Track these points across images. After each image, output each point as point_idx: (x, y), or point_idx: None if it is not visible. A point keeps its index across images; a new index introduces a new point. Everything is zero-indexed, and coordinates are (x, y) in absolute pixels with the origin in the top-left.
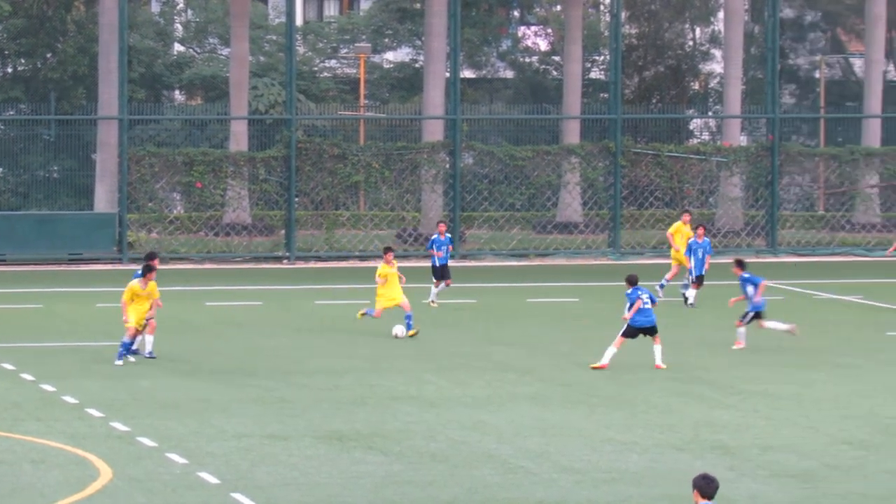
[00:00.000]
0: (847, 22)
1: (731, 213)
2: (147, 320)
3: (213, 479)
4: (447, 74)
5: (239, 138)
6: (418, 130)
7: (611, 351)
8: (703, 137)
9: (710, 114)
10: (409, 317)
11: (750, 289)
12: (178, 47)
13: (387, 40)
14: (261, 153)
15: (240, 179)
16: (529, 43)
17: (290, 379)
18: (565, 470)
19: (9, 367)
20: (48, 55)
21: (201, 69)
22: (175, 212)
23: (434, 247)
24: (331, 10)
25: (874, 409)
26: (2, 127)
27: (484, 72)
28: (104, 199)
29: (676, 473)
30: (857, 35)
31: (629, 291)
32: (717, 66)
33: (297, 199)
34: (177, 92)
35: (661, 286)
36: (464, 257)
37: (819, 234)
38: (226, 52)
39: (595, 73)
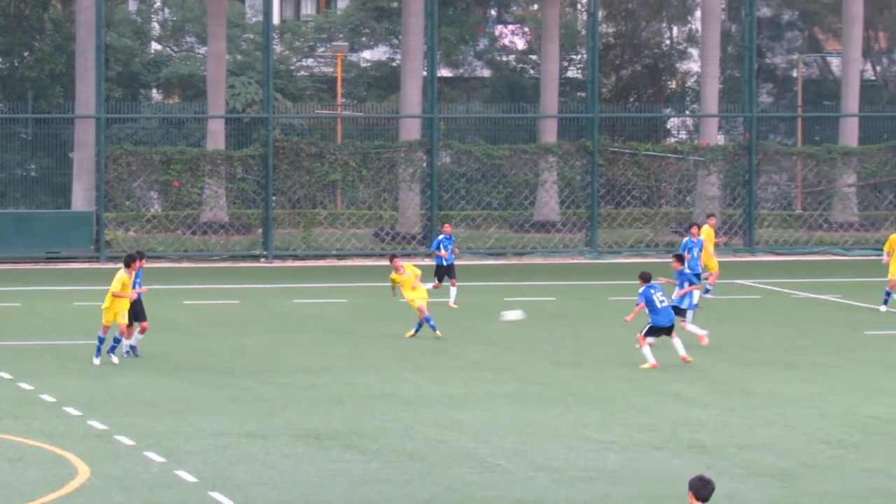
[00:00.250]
0: (824, 21)
1: (708, 212)
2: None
3: (190, 478)
4: (424, 73)
5: (216, 137)
6: (395, 129)
7: (647, 350)
8: (680, 136)
9: (687, 113)
10: (428, 319)
11: (686, 284)
12: (155, 46)
13: (364, 39)
14: (238, 152)
15: (217, 178)
16: (506, 42)
17: (267, 377)
18: (542, 468)
19: None
20: (25, 54)
21: (178, 68)
22: (152, 210)
23: (441, 247)
24: (308, 9)
25: (851, 408)
26: None
27: (461, 71)
28: (81, 197)
29: (654, 472)
30: (834, 34)
31: (642, 289)
32: (694, 65)
33: (274, 198)
34: (154, 90)
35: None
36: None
37: (796, 234)
38: (203, 50)
39: (572, 72)
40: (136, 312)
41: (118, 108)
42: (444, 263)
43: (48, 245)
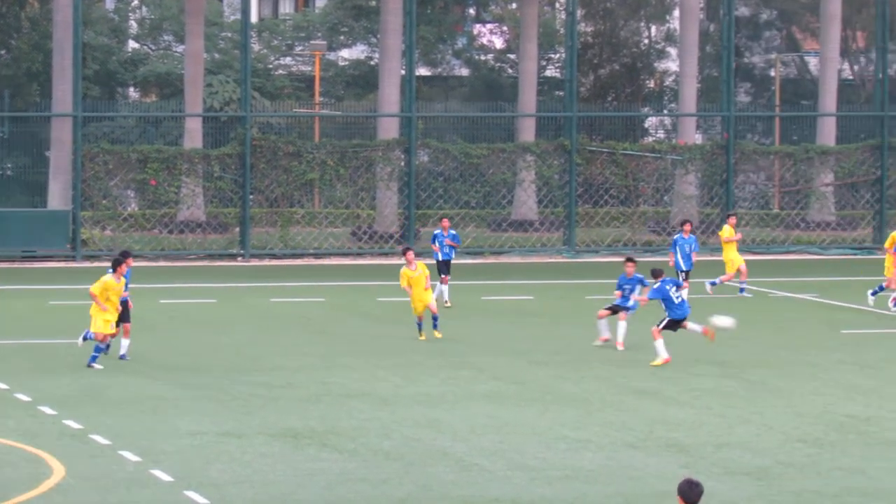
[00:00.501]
0: (802, 20)
1: (685, 211)
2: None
3: (166, 477)
4: (402, 72)
5: (193, 135)
6: (373, 128)
7: (660, 344)
8: (658, 135)
9: (665, 112)
10: (435, 318)
11: (639, 287)
12: (132, 44)
13: (342, 38)
14: (215, 150)
15: (194, 177)
16: (485, 41)
17: (244, 377)
18: (520, 467)
19: None
20: (2, 52)
21: (156, 66)
22: (129, 209)
23: (436, 242)
24: (286, 8)
25: (828, 406)
26: None
27: (439, 69)
28: (58, 196)
29: (631, 471)
30: (812, 33)
31: (657, 286)
32: (672, 65)
33: (251, 197)
34: (131, 89)
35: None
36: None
37: (774, 233)
38: (180, 49)
39: (551, 71)
40: (121, 314)
41: (95, 106)
42: (442, 258)
43: (24, 243)
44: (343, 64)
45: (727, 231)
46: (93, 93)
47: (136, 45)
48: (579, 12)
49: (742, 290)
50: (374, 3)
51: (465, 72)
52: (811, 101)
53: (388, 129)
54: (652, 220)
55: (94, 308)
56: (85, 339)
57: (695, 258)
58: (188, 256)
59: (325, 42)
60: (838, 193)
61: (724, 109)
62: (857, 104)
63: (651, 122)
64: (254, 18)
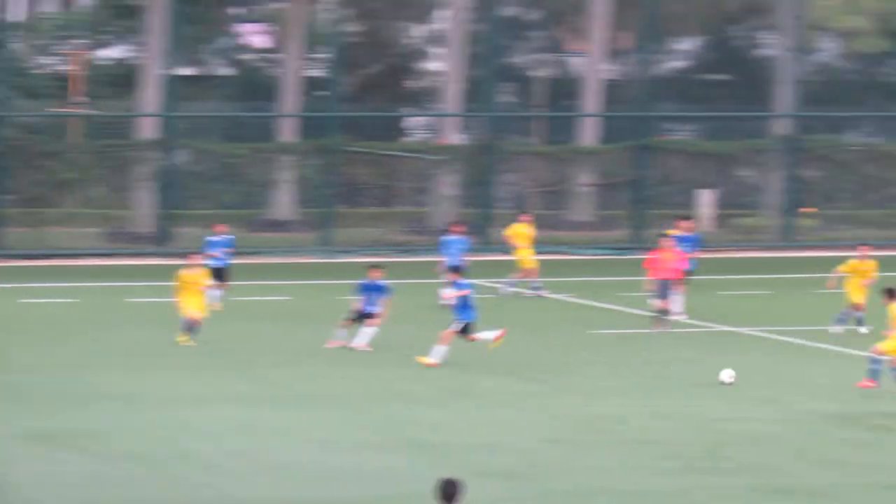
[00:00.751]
0: (567, 21)
1: (444, 212)
2: None
3: None
4: (164, 71)
5: None
6: (133, 128)
7: (442, 349)
8: (420, 136)
9: (427, 112)
10: (191, 323)
11: (381, 296)
12: None
13: (104, 37)
14: None
15: None
16: (249, 40)
17: None
18: (267, 468)
19: None
20: None
21: None
22: None
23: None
24: (48, 6)
25: (577, 407)
26: None
27: (202, 69)
28: None
29: (380, 472)
30: (576, 34)
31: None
32: (436, 65)
33: (7, 197)
34: None
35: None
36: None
37: (533, 233)
38: None
39: (314, 71)
40: None
41: None
42: (211, 265)
43: None
44: (105, 63)
45: (517, 229)
46: None
47: None
48: (345, 12)
49: (531, 288)
50: (136, 2)
51: (228, 71)
52: (574, 101)
53: (148, 129)
54: (411, 221)
55: None
56: None
57: (461, 259)
58: None
59: (86, 41)
60: (599, 193)
61: (486, 109)
62: (620, 105)
63: (414, 122)
64: (16, 17)
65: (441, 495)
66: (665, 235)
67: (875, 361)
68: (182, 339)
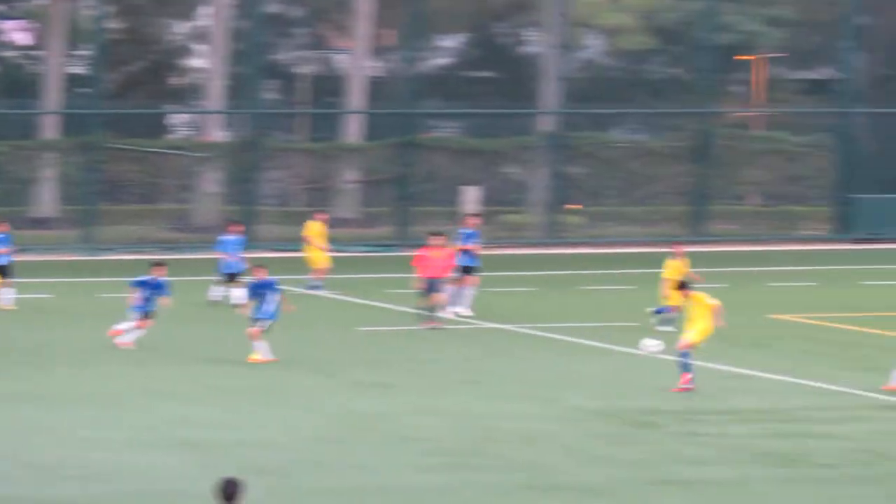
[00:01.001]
0: (331, 18)
1: (208, 209)
2: None
3: None
4: None
5: None
6: None
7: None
8: (184, 132)
9: (191, 109)
10: None
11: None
12: None
13: None
14: None
15: None
16: (11, 37)
17: None
18: (31, 467)
19: None
20: None
21: None
22: None
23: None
24: None
25: (344, 403)
26: None
27: None
28: None
29: (147, 470)
30: (341, 31)
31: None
32: (199, 61)
33: None
34: None
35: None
36: None
37: (297, 230)
38: None
39: (77, 68)
40: None
41: None
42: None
43: None
44: None
45: (313, 227)
46: None
47: None
48: (107, 9)
49: (314, 287)
50: None
51: None
52: (339, 98)
53: None
54: (175, 218)
55: None
56: None
57: (239, 258)
58: None
59: None
60: (364, 190)
61: (250, 106)
62: (384, 102)
63: (177, 119)
64: None
65: (221, 495)
66: (435, 234)
67: (685, 355)
68: None
